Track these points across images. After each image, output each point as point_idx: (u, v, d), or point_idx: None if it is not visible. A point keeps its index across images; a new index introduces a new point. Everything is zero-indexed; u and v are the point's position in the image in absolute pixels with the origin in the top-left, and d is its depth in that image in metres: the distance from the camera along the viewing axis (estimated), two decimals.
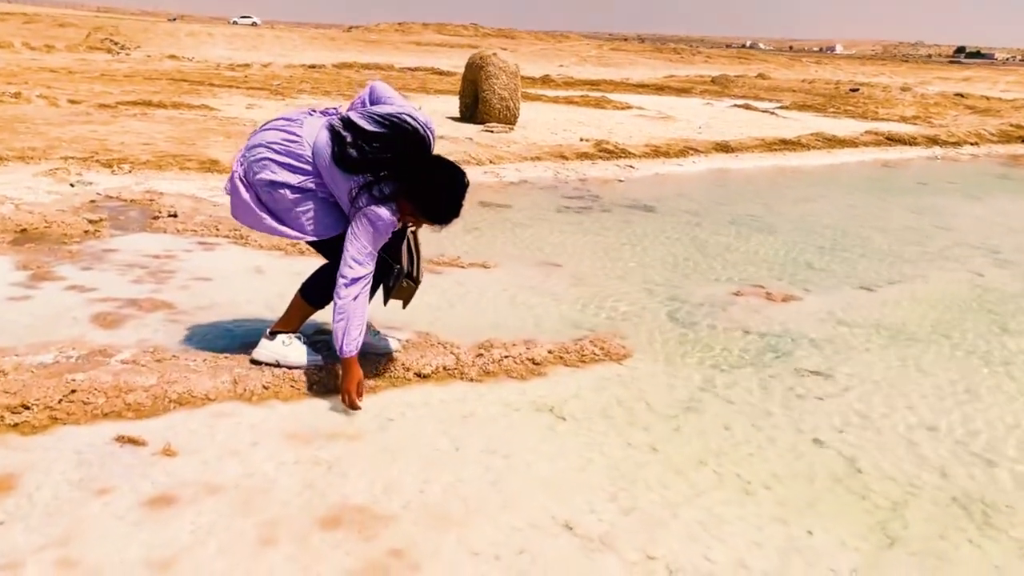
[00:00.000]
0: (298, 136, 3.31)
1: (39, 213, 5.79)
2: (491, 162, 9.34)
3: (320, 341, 3.85)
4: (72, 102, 11.94)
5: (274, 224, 3.40)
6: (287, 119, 3.40)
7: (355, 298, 3.25)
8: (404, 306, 3.77)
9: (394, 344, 3.77)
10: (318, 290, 3.55)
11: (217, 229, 5.79)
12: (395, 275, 3.53)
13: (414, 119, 3.30)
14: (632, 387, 3.70)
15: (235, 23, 69.23)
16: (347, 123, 3.26)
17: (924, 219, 8.06)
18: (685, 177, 9.92)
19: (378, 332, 3.78)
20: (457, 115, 13.24)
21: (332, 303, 3.28)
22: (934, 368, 4.17)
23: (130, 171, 7.41)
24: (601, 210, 7.55)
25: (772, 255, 6.24)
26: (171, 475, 2.74)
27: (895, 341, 4.51)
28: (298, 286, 3.65)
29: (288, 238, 3.48)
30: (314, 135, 3.30)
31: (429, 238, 5.82)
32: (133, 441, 2.91)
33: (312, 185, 3.32)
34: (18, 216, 5.68)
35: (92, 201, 6.42)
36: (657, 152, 10.98)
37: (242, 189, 3.40)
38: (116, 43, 31.77)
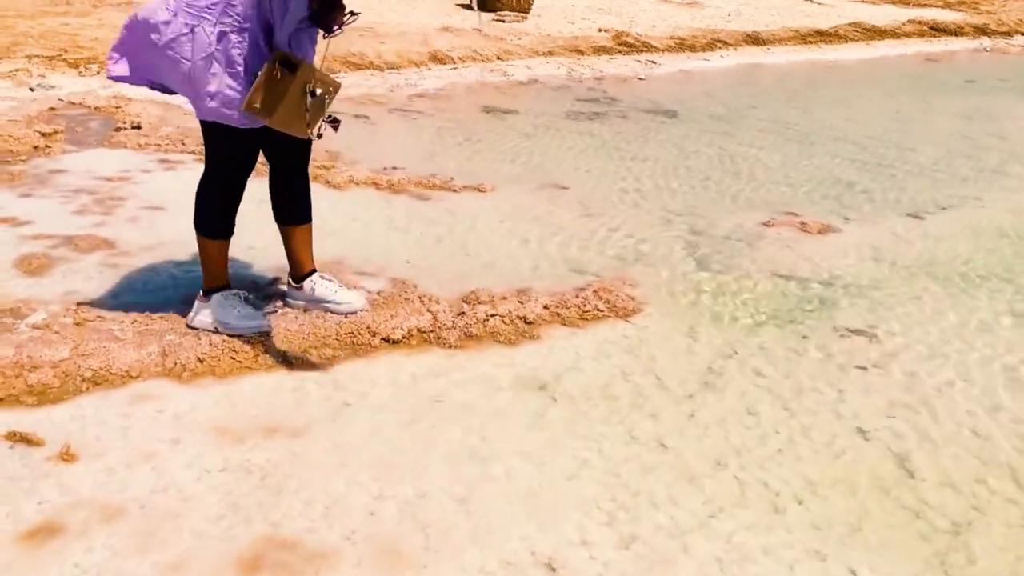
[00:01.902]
0: None
1: None
2: (498, 58, 8.53)
3: (274, 294, 3.29)
4: None
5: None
6: None
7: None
8: (318, 134, 2.78)
9: (359, 301, 3.18)
10: (206, 213, 2.98)
11: (183, 143, 5.16)
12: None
13: None
14: (640, 354, 3.13)
15: None
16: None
17: (975, 125, 7.25)
18: (712, 74, 9.07)
19: (341, 286, 3.21)
20: (467, 2, 12.27)
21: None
22: (998, 324, 3.55)
23: (99, 72, 6.72)
24: (617, 116, 6.82)
25: (807, 172, 5.54)
26: (64, 491, 2.22)
27: (949, 286, 3.89)
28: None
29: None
30: None
31: (420, 159, 5.17)
32: (27, 440, 2.39)
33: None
34: None
35: (52, 109, 5.78)
36: (682, 45, 10.08)
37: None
38: None
